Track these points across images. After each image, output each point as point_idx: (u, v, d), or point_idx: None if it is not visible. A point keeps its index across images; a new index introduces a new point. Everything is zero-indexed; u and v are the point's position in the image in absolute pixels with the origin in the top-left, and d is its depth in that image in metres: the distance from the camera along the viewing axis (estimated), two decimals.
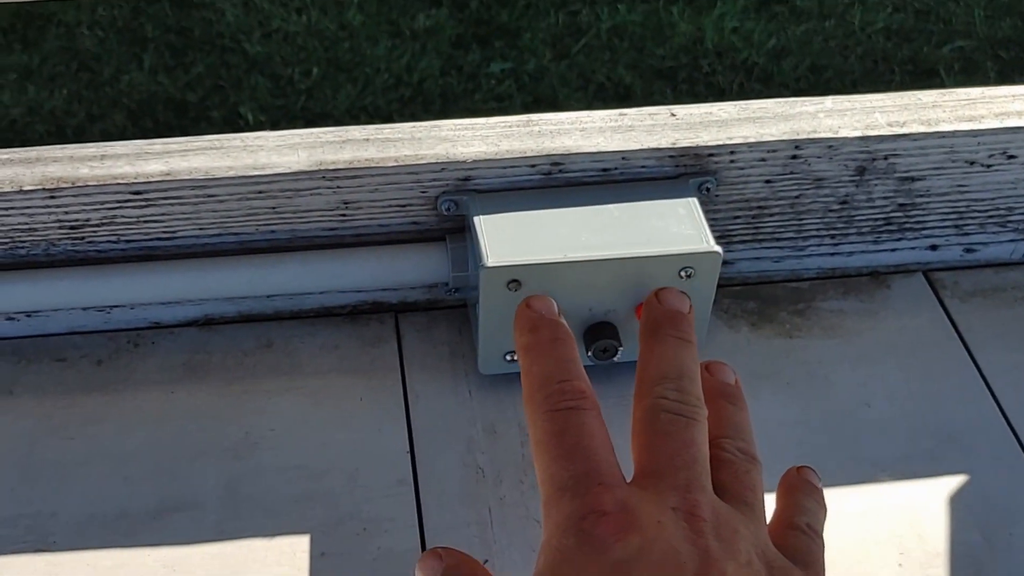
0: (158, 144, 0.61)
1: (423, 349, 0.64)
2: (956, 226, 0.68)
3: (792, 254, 0.67)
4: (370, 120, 2.08)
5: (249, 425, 0.61)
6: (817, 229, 0.66)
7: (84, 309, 0.64)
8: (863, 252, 0.68)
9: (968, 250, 0.69)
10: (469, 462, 0.59)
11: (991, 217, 0.68)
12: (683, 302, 0.39)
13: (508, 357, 0.61)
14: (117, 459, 0.59)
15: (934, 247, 0.69)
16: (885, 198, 0.66)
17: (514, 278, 0.57)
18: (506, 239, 0.58)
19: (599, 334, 0.59)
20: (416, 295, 0.66)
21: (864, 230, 0.67)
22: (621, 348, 0.60)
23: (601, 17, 2.27)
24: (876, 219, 0.67)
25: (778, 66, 2.21)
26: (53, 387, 0.63)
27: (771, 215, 0.65)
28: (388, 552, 0.55)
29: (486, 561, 0.55)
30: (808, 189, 0.64)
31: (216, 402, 0.62)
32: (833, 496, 0.57)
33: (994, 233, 0.69)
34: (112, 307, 0.64)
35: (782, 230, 0.66)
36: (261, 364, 0.64)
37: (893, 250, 0.68)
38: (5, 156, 0.61)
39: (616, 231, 0.59)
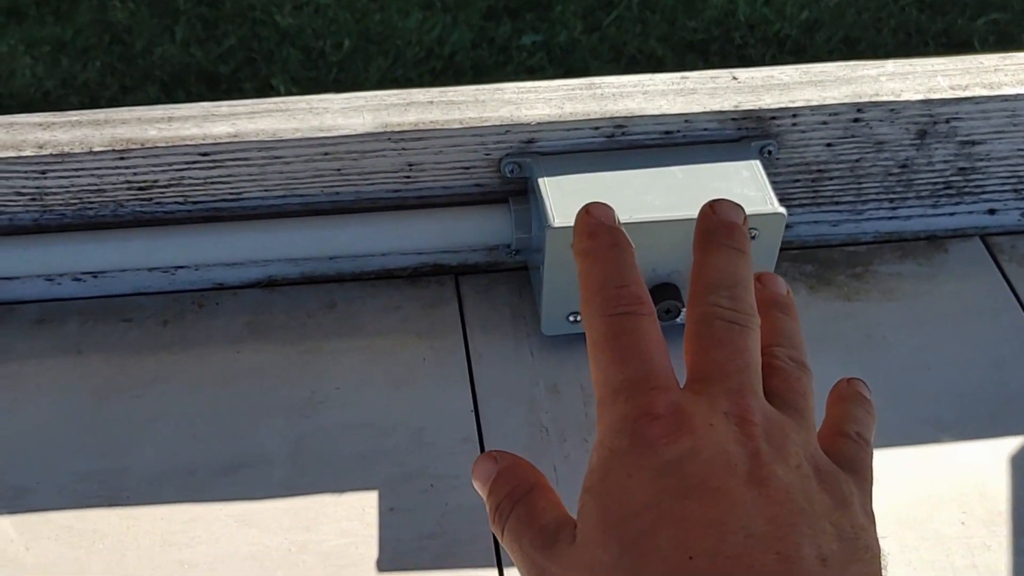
0: (224, 106, 0.62)
1: (484, 311, 0.65)
2: (1015, 190, 0.68)
3: (850, 218, 0.68)
4: None
5: (314, 384, 0.61)
6: (876, 193, 0.67)
7: (150, 270, 0.65)
8: (921, 216, 0.68)
9: None
10: (533, 421, 0.60)
11: None
12: (738, 213, 0.39)
13: (571, 318, 0.61)
14: (185, 417, 0.60)
15: (992, 211, 0.69)
16: (945, 162, 0.66)
17: None
18: (571, 200, 0.58)
19: (662, 295, 0.60)
20: (476, 257, 0.66)
21: (923, 194, 0.67)
22: (683, 309, 0.60)
23: None
24: (935, 183, 0.67)
25: (810, 38, 2.19)
26: (120, 347, 0.63)
27: (830, 179, 0.65)
28: (456, 508, 0.56)
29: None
30: (868, 152, 0.64)
31: (281, 362, 0.62)
32: (895, 456, 0.58)
33: None
34: (177, 268, 0.65)
35: (841, 194, 0.66)
36: (324, 325, 0.64)
37: (951, 214, 0.69)
38: (74, 118, 0.62)
39: (680, 193, 0.59)
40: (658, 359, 0.34)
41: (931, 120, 0.63)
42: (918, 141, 0.64)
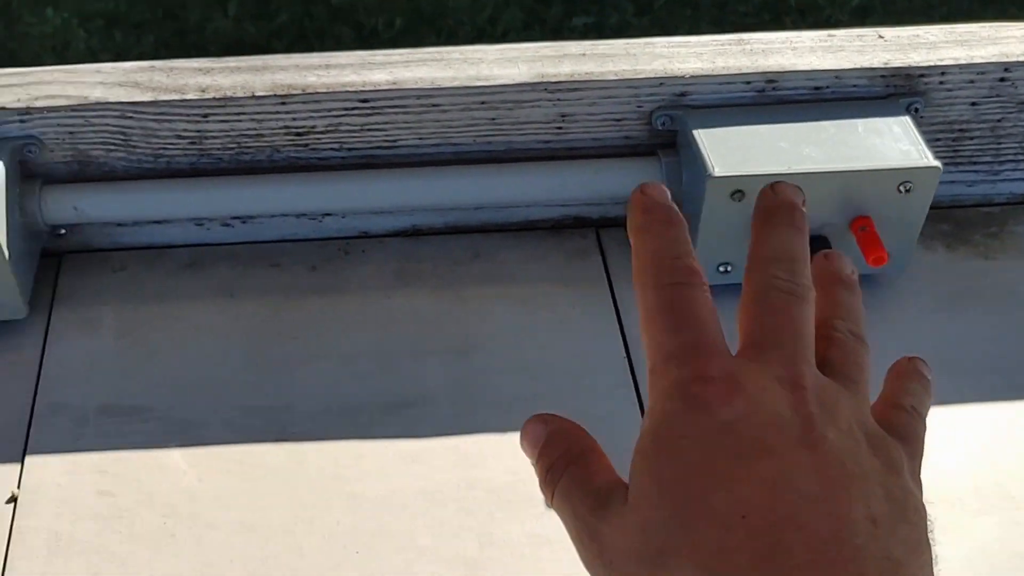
0: (379, 55, 0.63)
1: (628, 263, 0.66)
2: None
3: (987, 178, 0.69)
4: None
5: (468, 329, 0.62)
6: (1014, 154, 0.67)
7: (297, 216, 0.66)
8: None
9: None
10: None
11: None
12: (797, 195, 0.40)
13: (721, 268, 0.62)
14: (342, 358, 0.61)
15: None
16: None
17: (739, 188, 0.58)
18: (727, 151, 0.59)
19: (814, 247, 0.60)
20: (618, 210, 0.67)
21: None
22: None
23: None
24: None
25: (861, 24, 2.20)
26: (272, 291, 0.64)
27: (971, 138, 0.66)
28: (617, 449, 0.57)
29: None
30: (1011, 113, 0.65)
31: (433, 307, 0.63)
32: None
33: None
34: (325, 215, 0.66)
35: (980, 154, 0.67)
36: (472, 273, 0.65)
37: None
38: (232, 64, 0.63)
39: (835, 146, 0.60)
40: (711, 327, 0.35)
41: None
42: None
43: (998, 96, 0.64)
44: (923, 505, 0.33)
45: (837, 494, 0.31)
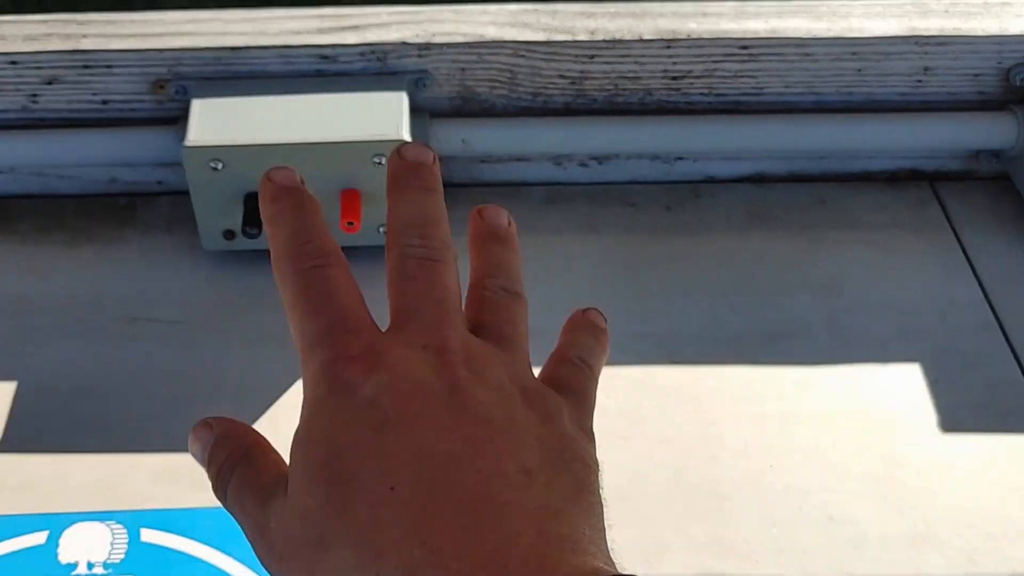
0: (751, 6, 0.66)
1: (970, 213, 0.69)
2: None
3: None
4: None
5: (829, 268, 0.66)
6: None
7: (651, 159, 0.69)
8: None
9: None
10: None
11: None
12: (425, 153, 0.38)
13: None
14: (714, 292, 0.64)
15: None
16: None
17: None
18: None
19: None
20: (954, 164, 0.70)
21: None
22: None
23: None
24: None
25: None
26: (633, 227, 0.68)
27: None
28: (998, 381, 0.60)
29: None
30: None
31: (790, 248, 0.67)
32: None
33: None
34: (678, 159, 0.69)
35: None
36: (821, 218, 0.69)
37: None
38: (612, 9, 0.66)
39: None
40: (350, 305, 0.35)
41: None
42: None
43: None
44: (590, 454, 0.34)
45: (485, 451, 0.31)
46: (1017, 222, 0.68)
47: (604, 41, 0.64)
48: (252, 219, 0.61)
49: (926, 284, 0.65)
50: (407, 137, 0.61)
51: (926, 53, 0.65)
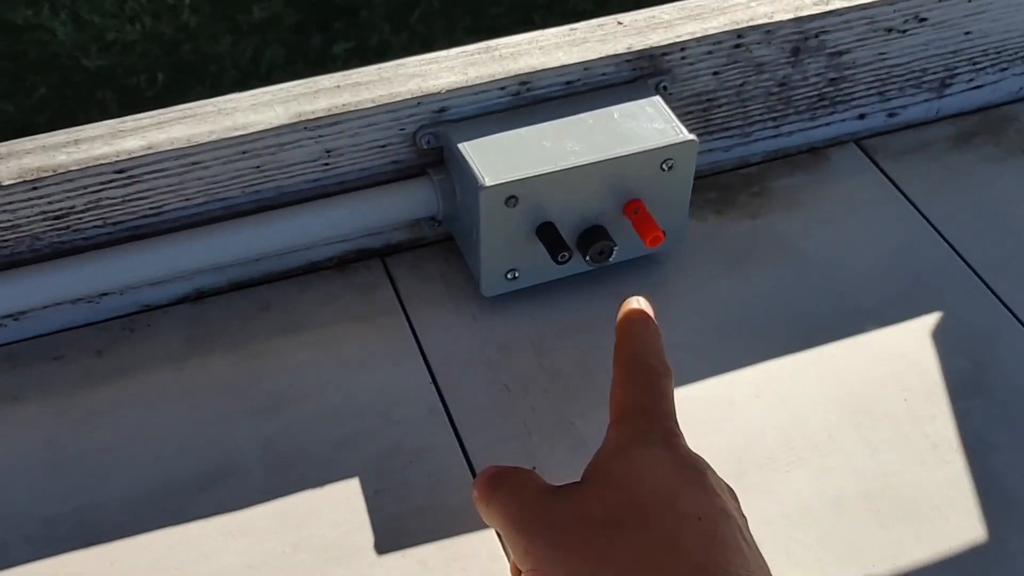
0: (129, 121, 0.61)
1: (418, 286, 0.66)
2: (879, 93, 0.73)
3: (740, 142, 0.72)
4: None
5: (269, 384, 0.61)
6: (761, 114, 0.71)
7: (73, 303, 0.63)
8: (801, 131, 0.73)
9: (891, 115, 0.75)
10: (492, 380, 0.61)
11: (908, 81, 0.73)
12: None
13: (509, 275, 0.63)
14: (145, 441, 0.59)
15: (862, 116, 0.74)
16: (817, 75, 0.70)
17: (511, 195, 0.59)
18: (495, 160, 0.60)
19: (595, 237, 0.62)
20: (399, 236, 0.67)
21: (801, 108, 0.72)
22: (616, 247, 0.62)
23: None
24: (811, 96, 0.71)
25: (604, 10, 2.27)
26: (58, 385, 0.61)
27: (719, 106, 0.69)
28: (440, 478, 0.57)
29: (534, 467, 0.57)
30: (751, 76, 0.68)
31: (230, 369, 0.62)
32: (830, 350, 0.62)
33: (911, 95, 0.74)
34: (102, 296, 0.63)
35: (730, 119, 0.70)
36: (264, 326, 0.64)
37: (827, 124, 0.73)
38: None
39: (595, 136, 0.61)
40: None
41: (802, 36, 0.68)
42: (792, 58, 0.69)
43: (736, 62, 0.67)
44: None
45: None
46: (458, 289, 0.65)
47: None
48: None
49: (371, 379, 0.61)
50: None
51: (321, 136, 0.61)
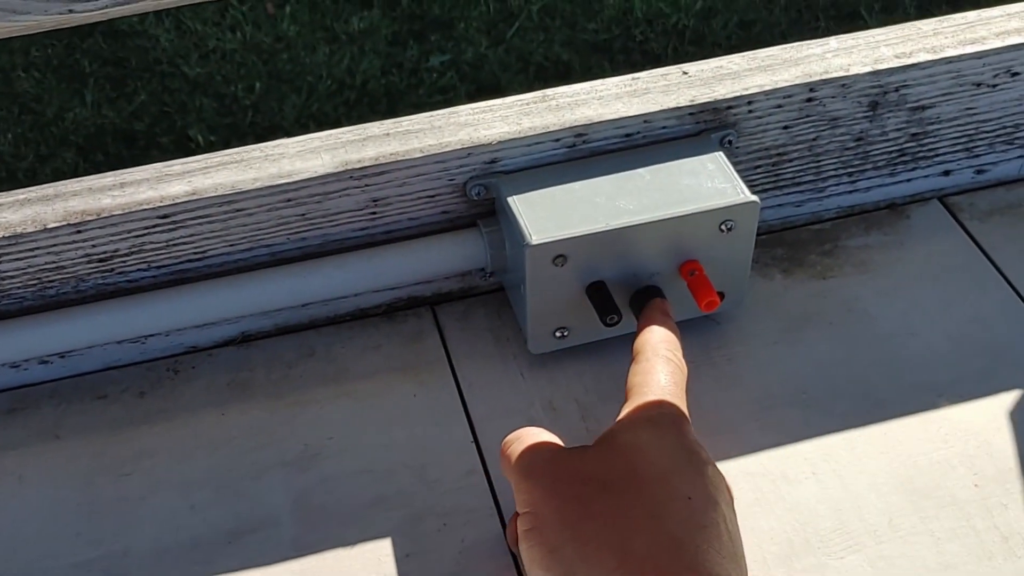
0: (176, 165, 0.60)
1: (466, 338, 0.64)
2: (966, 149, 0.69)
3: (812, 196, 0.68)
4: (319, 127, 2.07)
5: (307, 436, 0.60)
6: (835, 169, 0.67)
7: (119, 343, 0.63)
8: (880, 186, 0.69)
9: (979, 171, 0.71)
10: None
11: (999, 136, 0.69)
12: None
13: (558, 334, 0.61)
14: (179, 487, 0.58)
15: (947, 172, 0.70)
16: (898, 130, 0.66)
17: (560, 253, 0.57)
18: (544, 216, 0.58)
19: (648, 296, 0.59)
20: (450, 285, 0.65)
21: (880, 164, 0.68)
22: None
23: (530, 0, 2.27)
24: (891, 151, 0.67)
25: (708, 26, 2.22)
26: (99, 425, 0.61)
27: (790, 160, 0.66)
28: (473, 544, 0.55)
29: None
30: (824, 130, 0.65)
31: (269, 417, 0.61)
32: (900, 426, 0.58)
33: (1003, 152, 0.70)
34: (147, 336, 0.63)
35: (802, 174, 0.67)
36: (307, 374, 0.63)
37: (908, 180, 0.69)
38: (22, 196, 0.60)
39: (651, 194, 0.59)
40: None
41: (881, 90, 0.64)
42: (870, 113, 0.65)
43: (808, 116, 0.64)
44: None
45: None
46: (506, 343, 0.63)
47: (5, 238, 0.58)
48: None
49: (411, 436, 0.60)
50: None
51: (368, 186, 0.60)
